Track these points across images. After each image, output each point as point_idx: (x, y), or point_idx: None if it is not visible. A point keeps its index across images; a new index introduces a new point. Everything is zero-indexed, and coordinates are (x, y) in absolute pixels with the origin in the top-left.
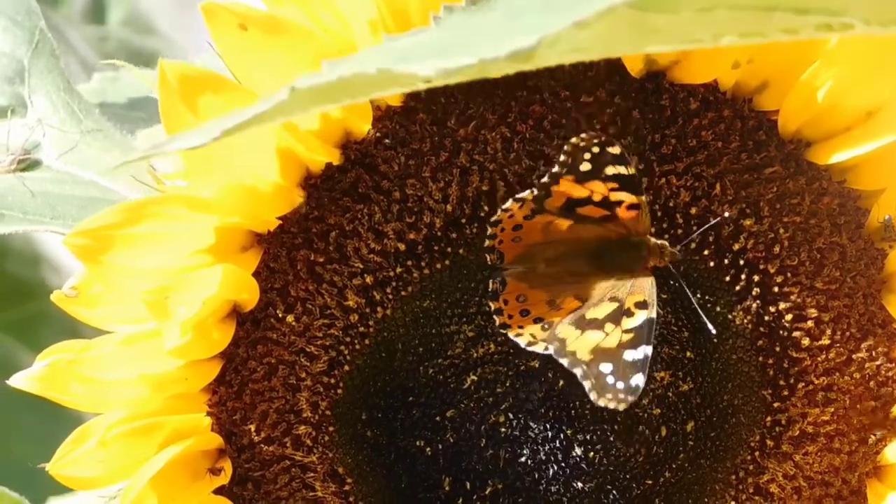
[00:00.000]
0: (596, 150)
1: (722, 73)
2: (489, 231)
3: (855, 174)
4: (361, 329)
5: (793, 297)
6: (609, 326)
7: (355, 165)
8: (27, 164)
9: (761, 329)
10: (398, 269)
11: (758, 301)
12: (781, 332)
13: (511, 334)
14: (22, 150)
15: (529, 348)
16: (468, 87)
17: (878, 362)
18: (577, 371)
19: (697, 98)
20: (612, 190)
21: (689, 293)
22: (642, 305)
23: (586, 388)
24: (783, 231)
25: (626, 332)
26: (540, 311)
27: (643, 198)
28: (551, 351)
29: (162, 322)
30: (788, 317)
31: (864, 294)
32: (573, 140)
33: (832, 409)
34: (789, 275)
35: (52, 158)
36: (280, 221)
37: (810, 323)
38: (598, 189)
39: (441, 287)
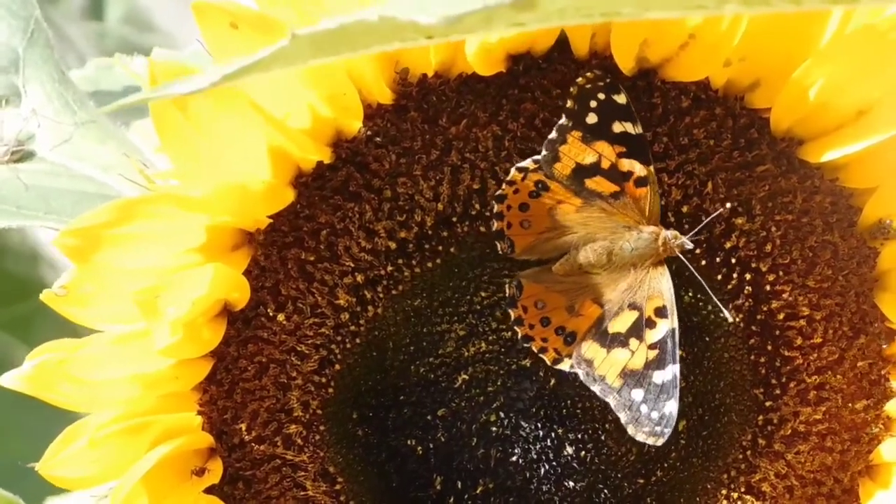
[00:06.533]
0: (602, 95)
1: (714, 71)
2: (495, 209)
3: (847, 172)
4: (352, 328)
5: (785, 296)
6: (633, 342)
7: (346, 164)
8: (21, 154)
9: (753, 327)
10: (389, 268)
11: (750, 299)
12: (773, 330)
13: (535, 348)
14: (16, 141)
15: (556, 366)
16: (460, 85)
17: (870, 360)
18: (611, 401)
19: (689, 96)
20: (620, 155)
21: (704, 283)
22: (662, 313)
23: (623, 421)
24: (775, 229)
25: (651, 347)
26: (560, 319)
27: (651, 169)
28: (580, 374)
29: (152, 322)
30: (780, 315)
31: (856, 292)
32: (578, 80)
33: (824, 408)
34: (781, 273)
35: (46, 150)
36: (271, 220)
37: (802, 321)
38: (605, 152)
39: (432, 286)
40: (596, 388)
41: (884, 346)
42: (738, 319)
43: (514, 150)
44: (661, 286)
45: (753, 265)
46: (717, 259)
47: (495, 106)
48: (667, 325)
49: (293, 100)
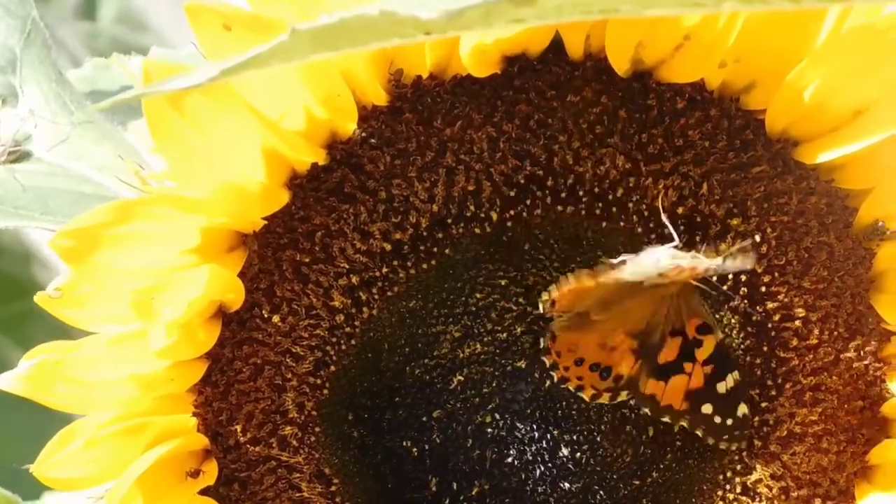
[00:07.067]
0: None
1: (709, 73)
2: (544, 296)
3: (843, 173)
4: (347, 329)
5: (780, 297)
6: (688, 366)
7: (341, 165)
8: (18, 155)
9: (749, 329)
10: (384, 270)
11: (745, 301)
12: (769, 331)
13: (571, 388)
14: (13, 142)
15: (594, 401)
16: (454, 87)
17: (866, 362)
18: (684, 423)
19: (684, 97)
20: None
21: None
22: (705, 329)
23: (701, 436)
24: (770, 230)
25: (705, 364)
26: (594, 357)
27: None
28: (648, 410)
29: (148, 323)
30: (776, 316)
31: (851, 293)
32: None
33: (820, 409)
34: (777, 274)
35: (43, 150)
36: (266, 222)
37: (798, 322)
38: None
39: (427, 287)
40: (666, 418)
41: (879, 348)
42: (734, 321)
43: (509, 152)
44: (694, 305)
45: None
46: None
47: (490, 107)
48: (713, 340)
49: (287, 101)
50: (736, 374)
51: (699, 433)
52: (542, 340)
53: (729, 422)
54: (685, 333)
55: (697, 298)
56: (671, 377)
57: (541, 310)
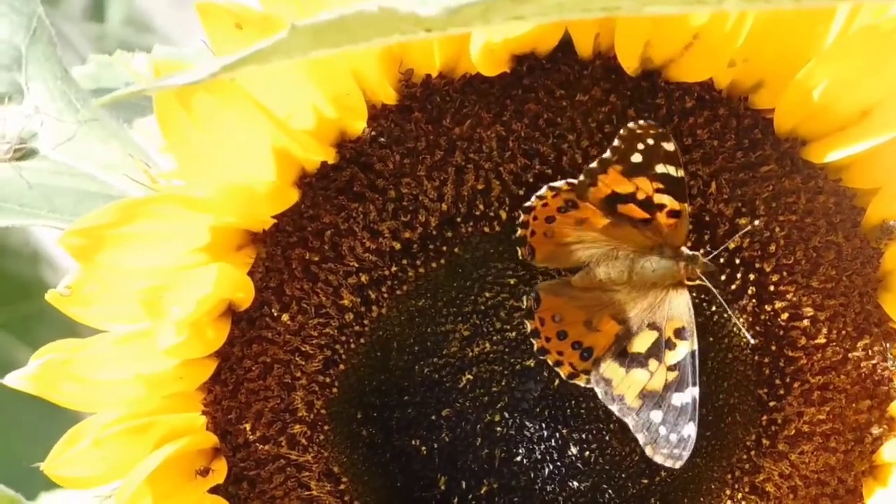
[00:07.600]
0: (651, 141)
1: (717, 72)
2: (521, 218)
3: (850, 173)
4: (356, 328)
5: (789, 296)
6: (653, 363)
7: (350, 164)
8: (24, 153)
9: (757, 328)
10: (393, 268)
11: (753, 300)
12: (777, 330)
13: (550, 361)
14: (19, 139)
15: (571, 381)
16: (464, 86)
17: (874, 361)
18: (629, 421)
19: (693, 96)
20: (657, 191)
21: (727, 305)
22: (682, 334)
23: (641, 442)
24: (779, 230)
25: (671, 369)
26: (577, 334)
27: (686, 205)
28: (599, 393)
29: (156, 321)
30: (784, 315)
31: (860, 293)
32: (630, 125)
33: (828, 408)
34: (785, 273)
35: (48, 148)
36: (275, 220)
37: (806, 322)
38: (643, 187)
39: (436, 286)
40: (614, 408)
41: (887, 347)
42: (742, 319)
43: (518, 151)
44: (680, 308)
45: (757, 265)
46: (721, 259)
47: (499, 106)
48: (686, 348)
49: (297, 100)
50: (696, 390)
51: (640, 438)
52: (524, 299)
53: (672, 437)
54: (662, 331)
55: (686, 303)
56: (633, 369)
57: (520, 255)
